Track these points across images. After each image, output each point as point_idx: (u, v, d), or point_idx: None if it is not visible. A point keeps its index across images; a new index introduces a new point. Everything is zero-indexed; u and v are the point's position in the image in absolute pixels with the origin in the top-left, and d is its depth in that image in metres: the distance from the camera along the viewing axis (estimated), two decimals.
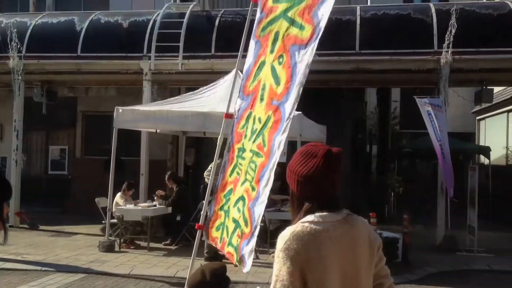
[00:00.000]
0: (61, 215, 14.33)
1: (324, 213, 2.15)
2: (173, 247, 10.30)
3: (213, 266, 3.42)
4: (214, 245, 3.97)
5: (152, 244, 10.17)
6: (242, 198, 3.72)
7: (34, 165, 16.34)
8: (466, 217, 10.94)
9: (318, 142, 2.69)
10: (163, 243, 10.50)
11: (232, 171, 3.84)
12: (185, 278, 7.93)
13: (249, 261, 3.61)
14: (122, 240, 10.13)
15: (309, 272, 2.03)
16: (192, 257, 4.13)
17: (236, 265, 3.77)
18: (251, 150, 3.70)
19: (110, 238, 10.00)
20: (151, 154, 12.56)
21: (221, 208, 3.85)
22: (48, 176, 16.20)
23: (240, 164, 3.78)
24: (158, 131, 11.51)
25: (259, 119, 3.69)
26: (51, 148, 16.32)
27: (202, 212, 4.27)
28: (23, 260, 8.81)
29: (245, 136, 3.78)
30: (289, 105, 3.45)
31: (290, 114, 3.45)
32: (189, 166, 14.23)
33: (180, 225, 10.43)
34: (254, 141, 3.68)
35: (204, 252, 8.83)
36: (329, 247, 2.09)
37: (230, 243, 3.76)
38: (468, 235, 10.70)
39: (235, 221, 3.74)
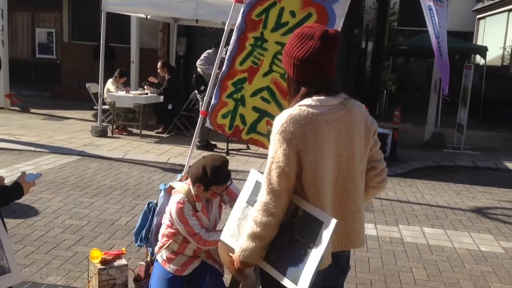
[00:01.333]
0: (50, 99, 14.24)
1: (321, 97, 2.11)
2: (165, 135, 10.41)
3: (215, 163, 3.42)
4: (220, 132, 4.02)
5: (144, 132, 10.25)
6: (267, 88, 3.71)
7: (20, 48, 15.91)
8: (455, 117, 11.05)
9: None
10: (155, 131, 10.59)
11: (244, 60, 3.73)
12: (178, 165, 8.16)
13: None
14: (114, 126, 10.18)
15: (304, 155, 2.02)
16: (192, 144, 4.13)
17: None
18: (278, 43, 3.60)
19: (102, 123, 10.03)
20: (142, 43, 12.20)
21: (229, 96, 3.80)
22: (36, 60, 15.85)
23: (259, 54, 3.69)
24: (148, 17, 11.08)
25: (292, 13, 3.55)
26: (38, 30, 15.79)
27: (205, 98, 4.21)
28: (16, 141, 8.87)
29: (265, 26, 3.64)
30: (341, 7, 3.47)
31: (342, 15, 3.48)
32: (180, 56, 13.95)
33: (172, 114, 10.45)
34: (284, 34, 3.57)
35: (196, 141, 8.94)
36: (325, 131, 2.07)
37: (253, 131, 3.83)
38: (456, 133, 10.89)
39: (258, 110, 3.75)
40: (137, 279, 3.71)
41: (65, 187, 6.55)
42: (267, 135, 3.77)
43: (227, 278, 3.90)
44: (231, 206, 3.77)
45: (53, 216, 5.44)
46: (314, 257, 1.98)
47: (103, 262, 3.58)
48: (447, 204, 6.87)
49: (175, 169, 7.94)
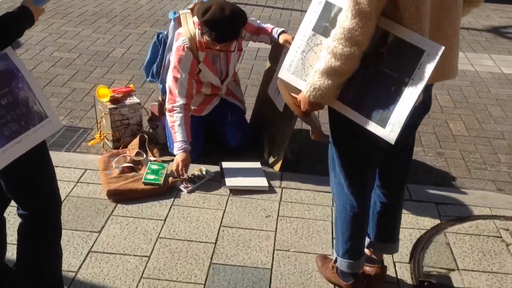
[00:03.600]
0: None
1: None
2: None
3: (220, 13, 2.72)
4: None
5: None
6: None
7: None
8: None
9: None
10: None
11: None
12: None
13: None
14: None
15: None
16: None
17: None
18: None
19: None
20: None
21: None
22: None
23: None
24: None
25: None
26: None
27: None
28: None
29: None
30: None
31: None
32: None
33: None
34: None
35: None
36: None
37: None
38: None
39: None
40: (151, 119, 3.35)
41: (44, 14, 5.80)
42: None
43: (248, 115, 3.57)
44: (256, 40, 3.22)
45: (38, 48, 4.85)
46: (411, 94, 1.59)
47: (113, 100, 3.17)
48: (461, 24, 6.40)
49: None
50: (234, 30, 2.81)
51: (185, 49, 2.86)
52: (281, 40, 3.07)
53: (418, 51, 1.57)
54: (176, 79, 2.88)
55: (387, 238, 2.10)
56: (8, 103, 1.56)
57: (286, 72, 1.83)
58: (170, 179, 2.81)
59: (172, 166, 2.91)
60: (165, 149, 3.19)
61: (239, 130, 3.25)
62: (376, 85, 1.66)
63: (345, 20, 1.55)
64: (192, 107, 3.15)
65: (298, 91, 1.80)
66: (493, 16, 6.84)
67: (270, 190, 2.83)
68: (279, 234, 2.48)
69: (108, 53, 4.86)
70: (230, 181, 2.83)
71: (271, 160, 3.14)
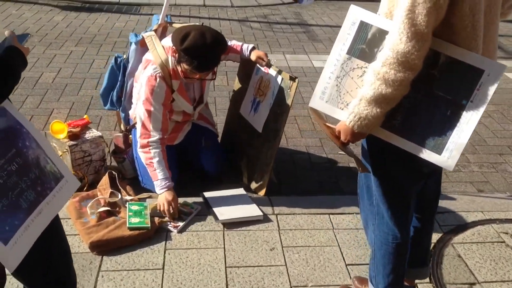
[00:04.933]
0: None
1: None
2: None
3: (201, 41, 2.44)
4: None
5: None
6: None
7: None
8: None
9: None
10: None
11: None
12: None
13: None
14: None
15: None
16: None
17: None
18: None
19: None
20: None
21: None
22: None
23: None
24: None
25: None
26: None
27: None
28: None
29: None
30: None
31: None
32: None
33: None
34: None
35: None
36: None
37: None
38: None
39: None
40: (115, 152, 3.02)
41: None
42: None
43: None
44: (224, 59, 2.97)
45: None
46: (471, 117, 1.50)
47: (72, 136, 2.80)
48: None
49: (81, 6, 6.65)
50: (216, 57, 2.56)
51: (158, 79, 2.57)
52: (253, 57, 2.89)
53: (477, 72, 1.48)
54: (149, 112, 2.58)
55: (420, 263, 2.01)
56: (19, 167, 1.26)
57: (319, 101, 1.67)
58: (156, 219, 2.52)
59: (153, 205, 2.63)
60: (135, 184, 2.88)
61: (215, 154, 3.02)
62: (428, 109, 1.55)
63: (398, 43, 1.42)
64: None
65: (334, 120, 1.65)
66: None
67: (265, 218, 2.64)
68: (291, 268, 2.31)
69: (36, 79, 4.36)
70: (222, 215, 2.60)
71: (254, 185, 2.94)
